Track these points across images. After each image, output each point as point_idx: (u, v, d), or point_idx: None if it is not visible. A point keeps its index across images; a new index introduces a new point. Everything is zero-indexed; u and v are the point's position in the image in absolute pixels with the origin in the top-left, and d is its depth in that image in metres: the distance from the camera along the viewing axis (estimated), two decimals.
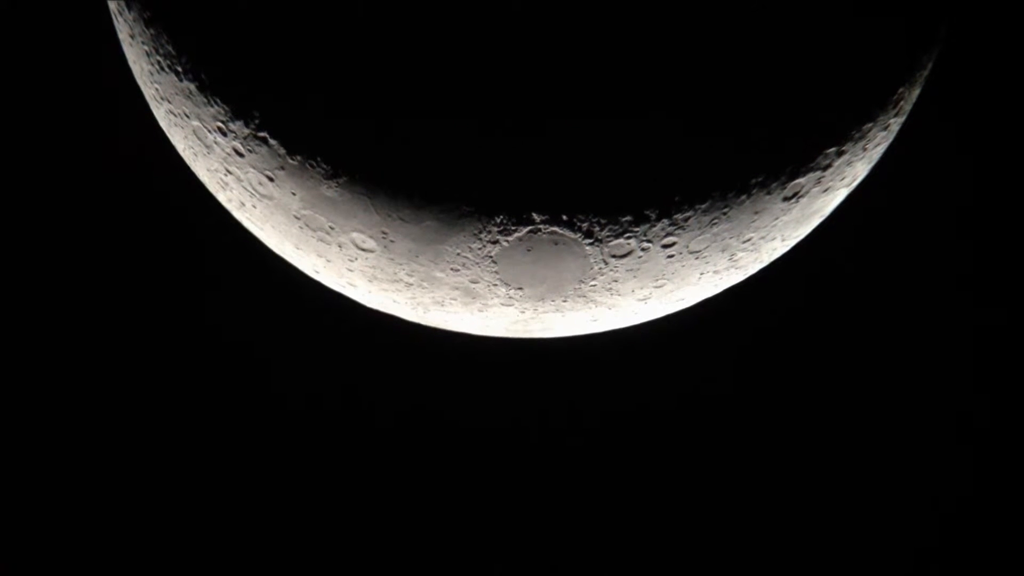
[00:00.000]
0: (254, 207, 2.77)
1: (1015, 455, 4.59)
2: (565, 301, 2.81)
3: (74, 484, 4.63)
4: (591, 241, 2.51)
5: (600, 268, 2.63)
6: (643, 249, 2.58)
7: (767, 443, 4.66)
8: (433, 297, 2.84)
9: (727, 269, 2.88)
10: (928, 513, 4.65)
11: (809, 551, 4.67)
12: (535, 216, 2.43)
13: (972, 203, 4.51)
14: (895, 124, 2.80)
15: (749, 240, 2.73)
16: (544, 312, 2.87)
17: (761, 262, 3.02)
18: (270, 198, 2.65)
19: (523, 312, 2.87)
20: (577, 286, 2.72)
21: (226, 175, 2.71)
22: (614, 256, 2.59)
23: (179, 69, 2.49)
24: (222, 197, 2.93)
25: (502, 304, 2.81)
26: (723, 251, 2.72)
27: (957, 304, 4.64)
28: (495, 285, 2.71)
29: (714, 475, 4.67)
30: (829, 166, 2.63)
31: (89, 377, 4.62)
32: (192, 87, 2.49)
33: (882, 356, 4.66)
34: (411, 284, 2.78)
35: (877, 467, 4.70)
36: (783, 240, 2.90)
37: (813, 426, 4.66)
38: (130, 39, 2.66)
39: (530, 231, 2.47)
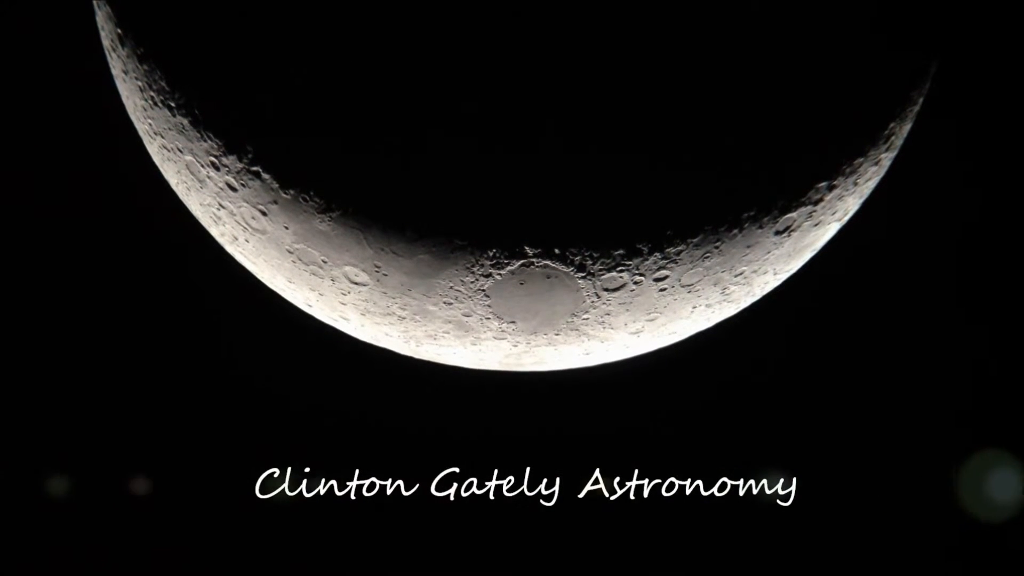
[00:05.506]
0: (247, 241, 2.77)
1: None
2: (558, 335, 2.80)
3: (74, 493, 4.62)
4: (584, 275, 2.51)
5: (593, 301, 2.63)
6: (635, 283, 2.58)
7: (761, 475, 4.63)
8: (426, 331, 2.83)
9: (719, 302, 2.87)
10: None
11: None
12: (528, 250, 2.43)
13: (964, 237, 4.53)
14: (886, 159, 2.81)
15: (741, 274, 2.73)
16: (537, 346, 2.86)
17: (753, 295, 3.02)
18: (263, 232, 2.65)
19: (516, 345, 2.86)
20: (570, 319, 2.72)
21: (219, 209, 2.70)
22: (606, 289, 2.58)
23: (172, 104, 2.49)
24: (215, 231, 2.92)
25: (495, 338, 2.80)
26: (715, 285, 2.72)
27: (950, 327, 4.65)
28: (488, 319, 2.70)
29: (707, 500, 4.64)
30: (820, 200, 2.64)
31: (79, 409, 4.60)
32: (185, 122, 2.50)
33: (874, 394, 4.66)
34: (404, 318, 2.78)
35: (873, 492, 4.69)
36: (775, 274, 2.91)
37: (809, 454, 4.64)
38: (123, 75, 2.66)
39: (523, 265, 2.47)
